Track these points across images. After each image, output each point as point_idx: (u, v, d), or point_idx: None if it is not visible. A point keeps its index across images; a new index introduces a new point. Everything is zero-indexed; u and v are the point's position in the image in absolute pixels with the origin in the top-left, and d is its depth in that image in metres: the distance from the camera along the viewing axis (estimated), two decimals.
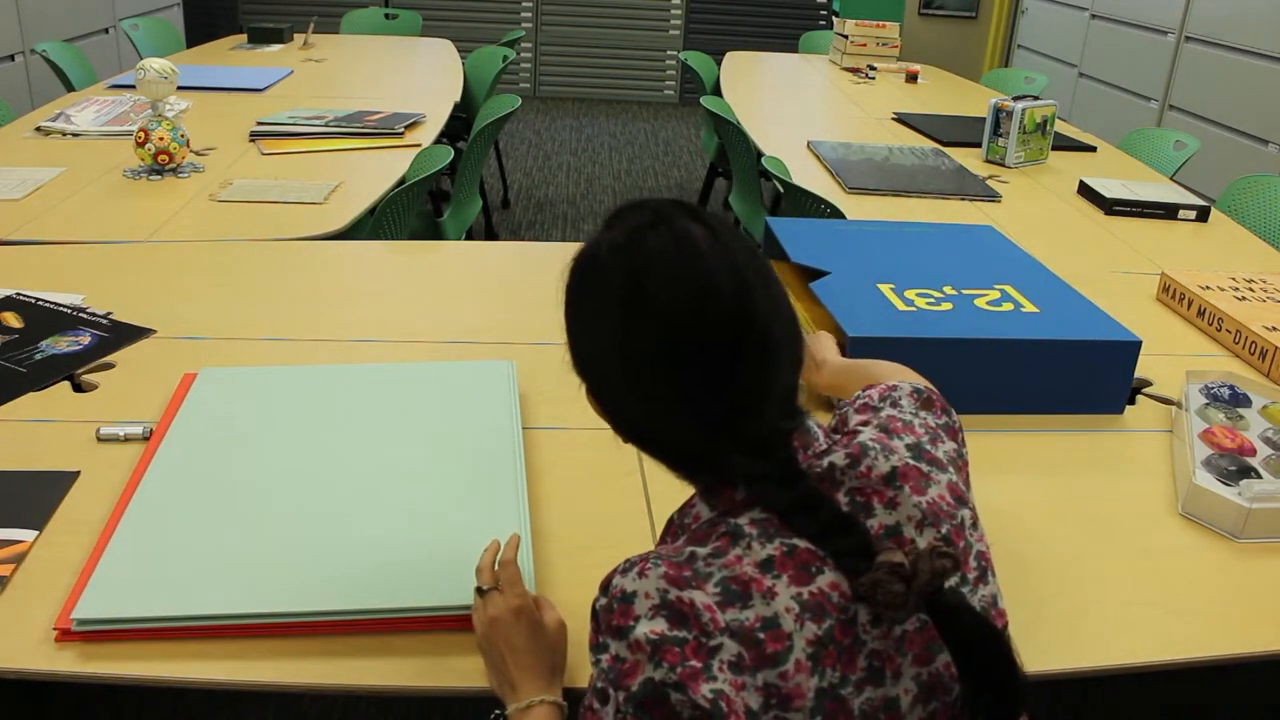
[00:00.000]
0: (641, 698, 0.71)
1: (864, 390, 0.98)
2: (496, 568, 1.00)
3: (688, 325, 0.78)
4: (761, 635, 0.73)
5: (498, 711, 0.96)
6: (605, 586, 0.78)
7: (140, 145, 2.39)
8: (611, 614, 0.75)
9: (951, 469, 0.86)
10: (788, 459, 0.81)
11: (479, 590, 0.98)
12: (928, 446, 0.87)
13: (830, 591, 0.75)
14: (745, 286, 0.79)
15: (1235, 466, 1.34)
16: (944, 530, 0.81)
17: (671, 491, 1.28)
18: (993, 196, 2.64)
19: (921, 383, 0.98)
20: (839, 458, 0.83)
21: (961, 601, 0.76)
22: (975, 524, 0.85)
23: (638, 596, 0.74)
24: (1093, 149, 3.25)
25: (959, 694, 0.78)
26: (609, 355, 0.81)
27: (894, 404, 0.91)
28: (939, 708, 0.78)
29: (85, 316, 1.67)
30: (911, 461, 0.84)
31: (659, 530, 1.20)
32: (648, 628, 0.73)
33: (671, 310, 0.78)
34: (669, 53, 7.01)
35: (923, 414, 0.91)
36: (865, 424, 0.90)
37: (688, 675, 0.71)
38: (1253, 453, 1.40)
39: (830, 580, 0.76)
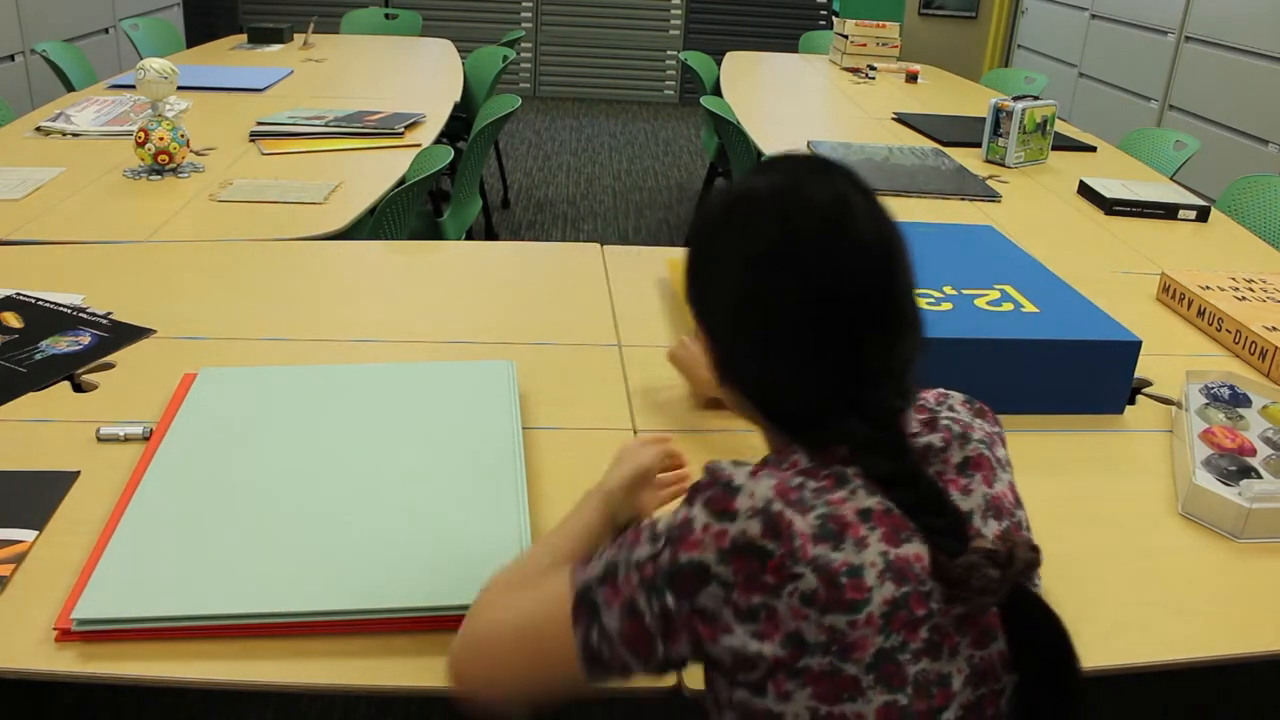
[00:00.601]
0: (682, 570, 0.74)
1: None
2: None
3: (834, 285, 0.78)
4: (844, 580, 0.74)
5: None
6: (711, 470, 0.78)
7: (140, 145, 2.39)
8: (713, 492, 0.76)
9: (1009, 472, 0.89)
10: (898, 432, 0.81)
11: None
12: (989, 445, 0.88)
13: (914, 561, 0.76)
14: (892, 257, 0.80)
15: (1235, 466, 1.34)
16: (1004, 525, 0.83)
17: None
18: (993, 196, 2.64)
19: (961, 395, 0.97)
20: (935, 439, 0.85)
21: (1038, 597, 0.78)
22: (1027, 529, 0.88)
23: (743, 492, 0.75)
24: (1093, 149, 3.25)
25: (1007, 684, 0.79)
26: (743, 299, 0.80)
27: (950, 408, 0.91)
28: (986, 694, 0.78)
29: (85, 316, 1.67)
30: (985, 453, 0.86)
31: None
32: (742, 526, 0.74)
33: (821, 266, 0.77)
34: (669, 53, 7.01)
35: (977, 420, 0.91)
36: (927, 423, 0.89)
37: (742, 589, 0.73)
38: (1253, 453, 1.40)
39: (916, 551, 0.76)
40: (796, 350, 0.79)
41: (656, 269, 2.02)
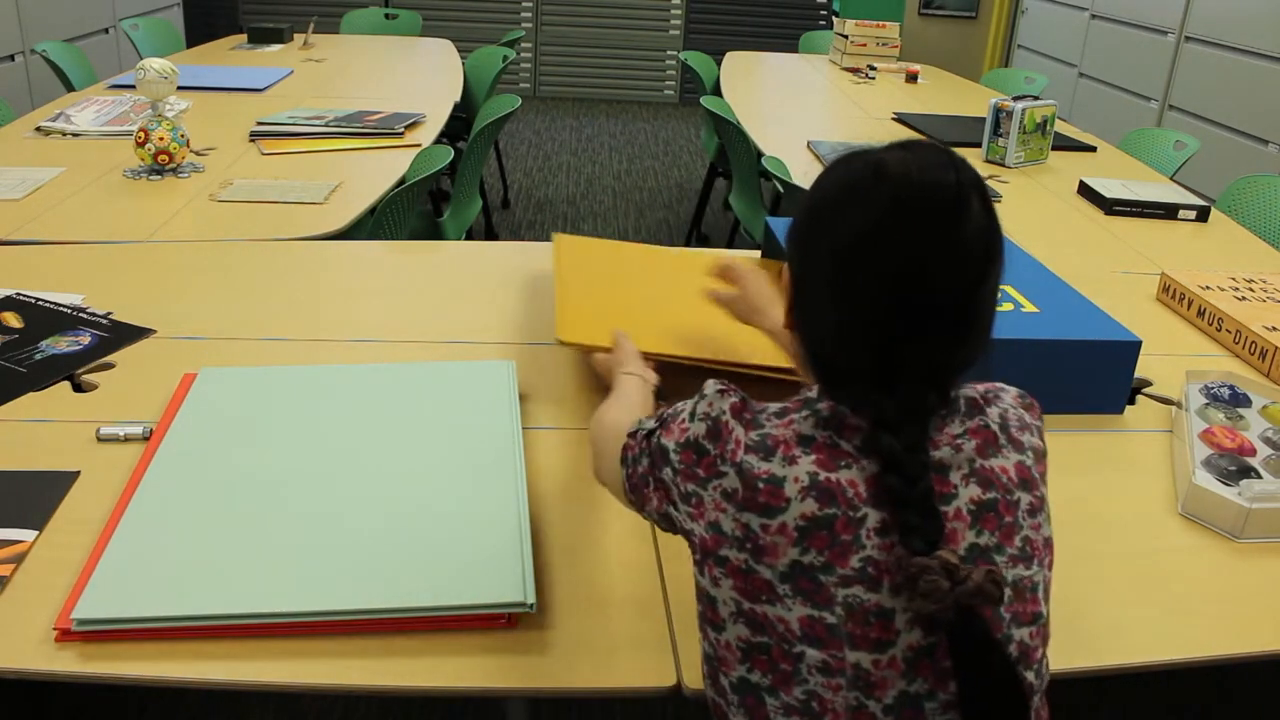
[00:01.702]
0: (657, 448, 0.91)
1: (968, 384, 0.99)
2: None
3: (928, 272, 0.80)
4: (761, 485, 0.82)
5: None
6: (707, 385, 0.91)
7: (140, 145, 2.39)
8: (694, 401, 0.90)
9: (1028, 456, 0.89)
10: (922, 427, 0.83)
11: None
12: (1013, 428, 0.89)
13: (847, 486, 0.81)
14: (989, 261, 0.82)
15: (1235, 466, 1.34)
16: (991, 495, 0.84)
17: None
18: (993, 196, 2.63)
19: (1016, 391, 0.98)
20: (971, 441, 0.85)
21: (990, 634, 0.79)
22: (1034, 512, 0.87)
23: (704, 401, 0.89)
24: (1093, 149, 3.25)
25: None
26: (839, 260, 0.83)
27: (996, 397, 0.92)
28: (938, 643, 0.79)
29: (85, 316, 1.67)
30: (991, 427, 0.86)
31: (659, 530, 1.20)
32: (696, 428, 0.88)
33: (921, 251, 0.80)
34: (669, 53, 7.01)
35: (1019, 410, 0.92)
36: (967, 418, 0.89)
37: (683, 476, 0.87)
38: (1253, 453, 1.40)
39: (851, 477, 0.81)
40: (869, 324, 0.82)
41: None
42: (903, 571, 0.78)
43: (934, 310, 0.81)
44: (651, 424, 0.95)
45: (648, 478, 0.93)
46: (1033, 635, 0.85)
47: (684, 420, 0.89)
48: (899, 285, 0.80)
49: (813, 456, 0.82)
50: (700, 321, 1.58)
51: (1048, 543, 0.89)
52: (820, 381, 0.87)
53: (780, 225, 1.88)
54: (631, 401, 1.21)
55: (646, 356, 1.37)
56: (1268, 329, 1.74)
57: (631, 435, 0.97)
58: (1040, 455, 0.92)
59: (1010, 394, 0.94)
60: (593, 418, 1.15)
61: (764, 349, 1.46)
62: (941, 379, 0.85)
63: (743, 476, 0.83)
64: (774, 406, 0.88)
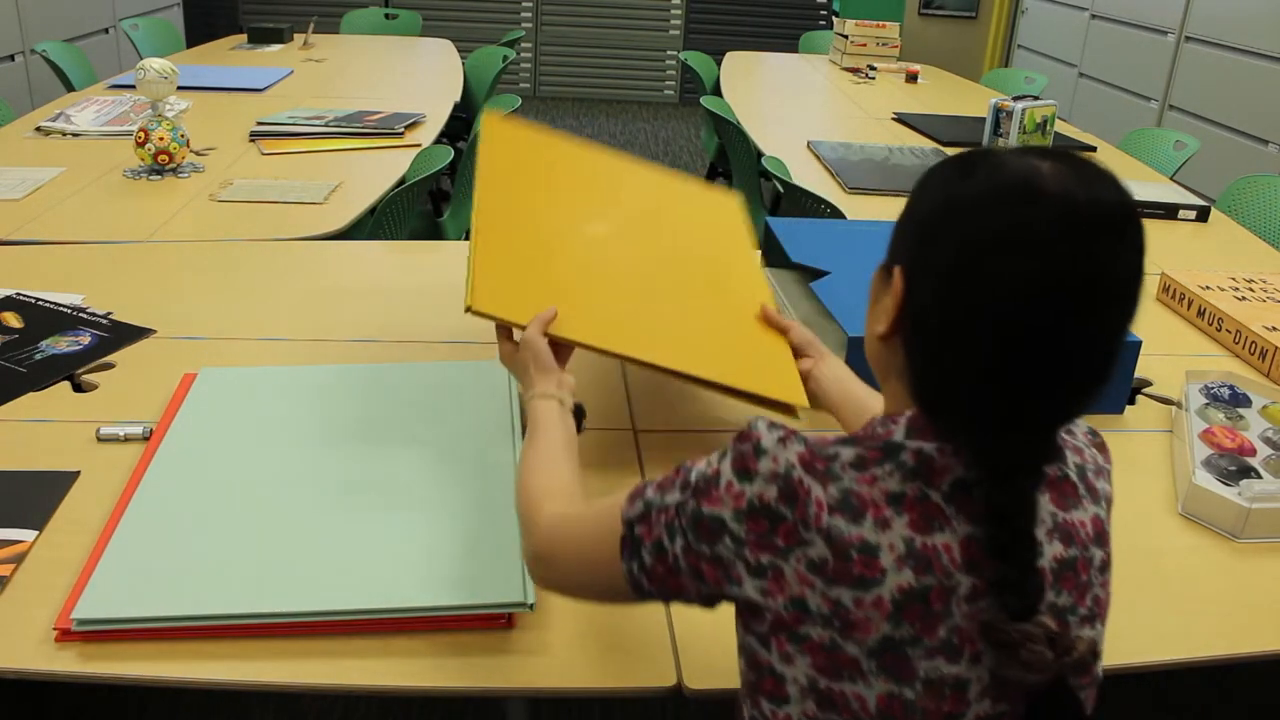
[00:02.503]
0: (703, 520, 0.77)
1: None
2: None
3: (1088, 299, 0.71)
4: (854, 554, 0.73)
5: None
6: (752, 428, 0.78)
7: (140, 145, 2.39)
8: (741, 449, 0.77)
9: (1102, 507, 0.83)
10: (1028, 472, 0.75)
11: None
12: (1090, 475, 0.83)
13: (943, 552, 0.73)
14: (1131, 300, 0.74)
15: (1235, 466, 1.34)
16: (1072, 552, 0.78)
17: None
18: None
19: (1087, 425, 0.91)
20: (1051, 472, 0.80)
21: (1082, 710, 0.75)
22: (1104, 569, 0.82)
23: (766, 456, 0.76)
24: (1093, 149, 3.25)
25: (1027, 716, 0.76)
26: (985, 271, 0.72)
27: (1068, 431, 0.86)
28: (1007, 712, 0.75)
29: (85, 316, 1.67)
30: (1070, 476, 0.80)
31: None
32: (760, 489, 0.75)
33: (1071, 278, 0.70)
34: (669, 53, 7.01)
35: (1093, 450, 0.86)
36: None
37: (753, 547, 0.75)
38: (1253, 453, 1.40)
39: (946, 541, 0.73)
40: (1003, 353, 0.72)
41: None
42: (999, 638, 0.71)
43: (1085, 344, 0.72)
44: (671, 497, 0.80)
45: (689, 560, 0.78)
46: (1090, 699, 0.80)
47: (732, 482, 0.76)
48: (1051, 313, 0.70)
49: (905, 518, 0.73)
50: (671, 281, 1.38)
51: (1108, 600, 0.84)
52: (923, 408, 0.78)
53: (780, 225, 1.87)
54: (554, 452, 1.02)
55: (582, 347, 1.20)
56: (1268, 329, 1.74)
57: (641, 521, 0.82)
58: (1110, 503, 0.86)
59: (1081, 431, 0.87)
60: (516, 481, 1.00)
61: (750, 356, 1.30)
62: (1060, 424, 0.77)
63: (832, 544, 0.73)
64: (845, 452, 0.76)
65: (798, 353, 1.32)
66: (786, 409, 1.27)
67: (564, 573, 0.90)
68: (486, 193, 1.37)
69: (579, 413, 1.12)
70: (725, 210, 1.61)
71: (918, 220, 0.79)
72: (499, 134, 1.51)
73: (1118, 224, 0.72)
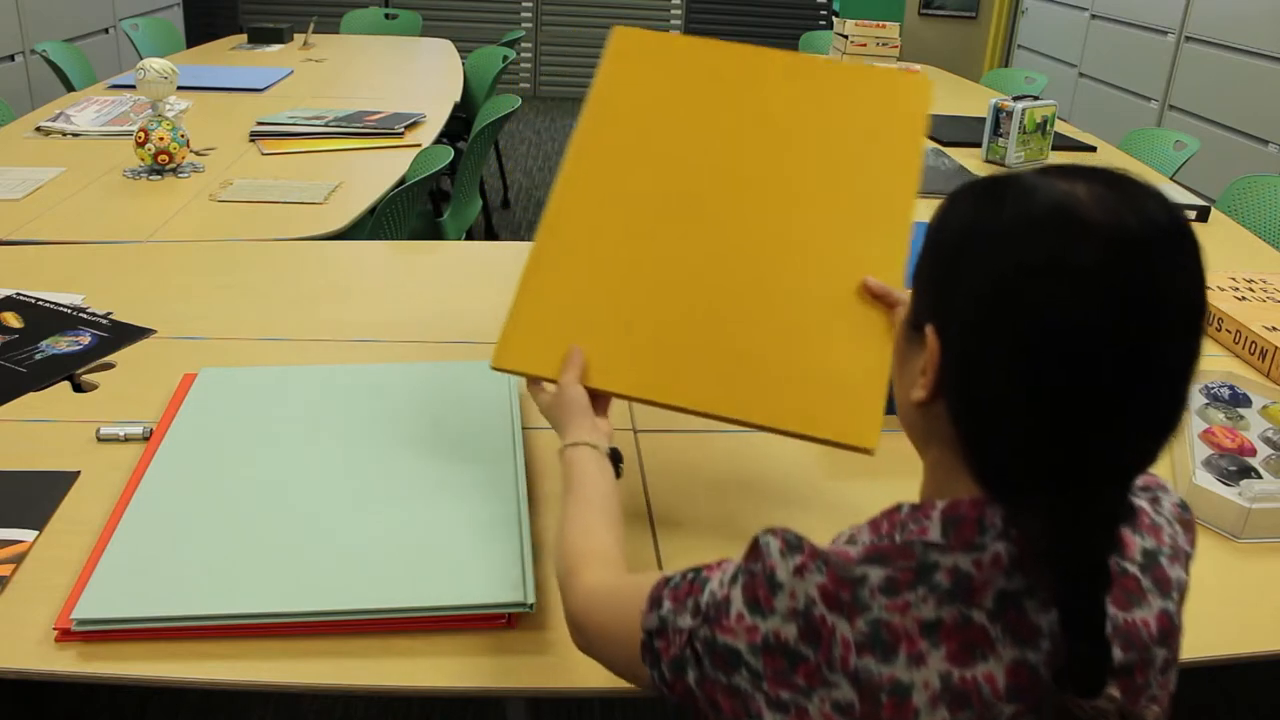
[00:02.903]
0: (718, 649, 0.71)
1: None
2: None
3: (1150, 332, 0.64)
4: (884, 697, 0.66)
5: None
6: (764, 549, 0.71)
7: (140, 145, 2.39)
8: (753, 578, 0.71)
9: (1172, 600, 0.75)
10: (1111, 542, 0.69)
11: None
12: (1163, 562, 0.75)
13: (984, 684, 0.66)
14: (1198, 322, 0.67)
15: (1235, 466, 1.34)
16: (1130, 656, 0.71)
17: (672, 493, 1.28)
18: None
19: (1179, 497, 0.83)
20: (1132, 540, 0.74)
21: None
22: (1167, 668, 0.75)
23: (783, 591, 0.69)
24: (1093, 149, 3.25)
25: None
26: (1030, 310, 0.64)
27: (1154, 500, 0.79)
28: None
29: (85, 316, 1.67)
30: (1132, 570, 0.73)
31: (659, 531, 1.21)
32: (777, 626, 0.68)
33: (1130, 311, 0.63)
34: None
35: (1177, 528, 0.78)
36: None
37: (772, 682, 0.69)
38: (1253, 453, 1.40)
39: (988, 671, 0.66)
40: (1065, 401, 0.65)
41: None
42: (1069, 716, 0.66)
43: (1155, 380, 0.65)
44: (684, 621, 0.74)
45: (704, 690, 0.73)
46: None
47: (744, 614, 0.70)
48: (1110, 346, 0.63)
49: (942, 650, 0.66)
50: (769, 256, 1.18)
51: (1168, 698, 0.78)
52: (977, 475, 0.71)
53: None
54: (591, 509, 0.96)
55: (619, 397, 1.13)
56: (1268, 329, 1.74)
57: (659, 635, 0.76)
58: (1185, 592, 0.77)
59: (1170, 503, 0.79)
60: (556, 539, 0.96)
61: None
62: (1133, 473, 0.70)
63: (860, 687, 0.66)
64: (874, 574, 0.68)
65: None
66: (860, 448, 1.10)
67: (599, 648, 0.85)
68: (574, 167, 1.24)
69: (615, 457, 1.05)
70: (898, 114, 1.28)
71: (941, 265, 0.72)
72: (628, 50, 1.33)
73: (1177, 244, 0.66)
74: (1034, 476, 0.67)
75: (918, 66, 4.47)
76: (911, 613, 0.67)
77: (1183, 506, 0.81)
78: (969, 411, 0.70)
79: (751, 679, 0.69)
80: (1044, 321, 0.64)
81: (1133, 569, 0.73)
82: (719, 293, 1.16)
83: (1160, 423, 0.67)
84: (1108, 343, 0.63)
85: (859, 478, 1.32)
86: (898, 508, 0.74)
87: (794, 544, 0.71)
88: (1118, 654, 0.70)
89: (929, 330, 0.72)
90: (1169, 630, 0.74)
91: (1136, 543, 0.74)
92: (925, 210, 2.89)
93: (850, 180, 1.22)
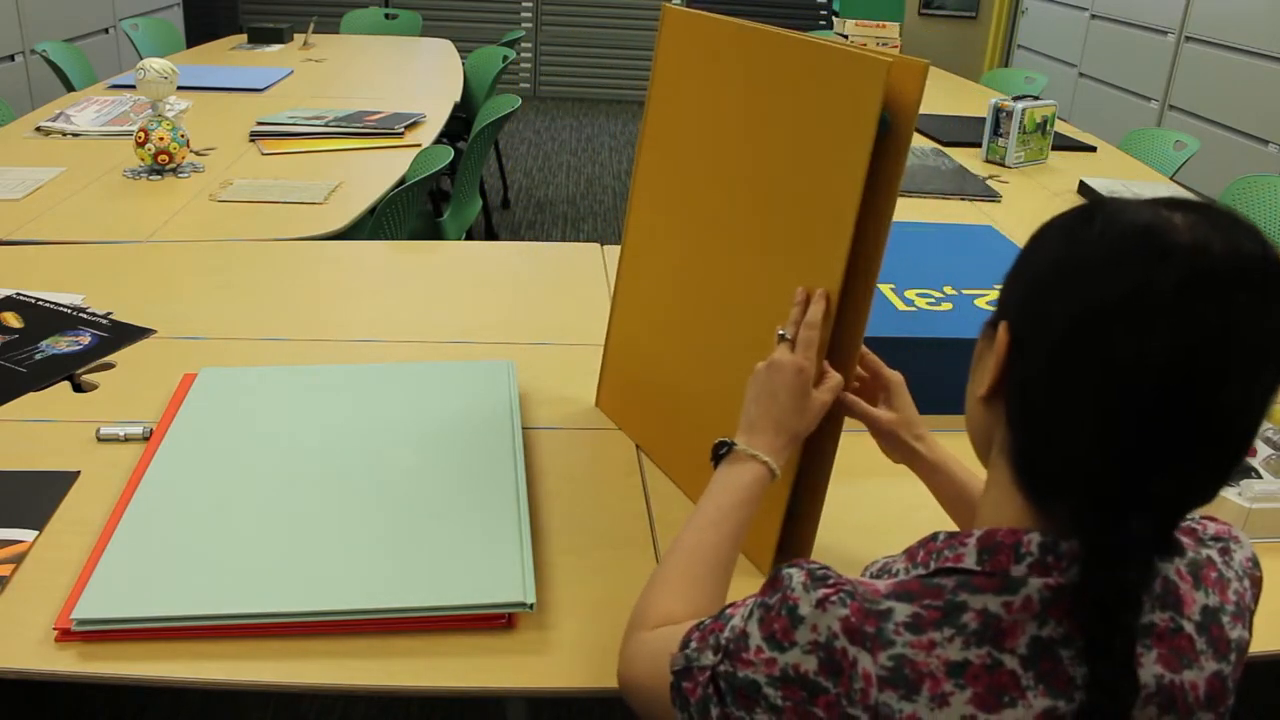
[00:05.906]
0: (738, 683, 0.71)
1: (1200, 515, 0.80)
2: (801, 325, 1.00)
3: (1222, 364, 0.62)
4: None
5: (724, 440, 0.97)
6: (785, 582, 0.71)
7: (140, 145, 2.39)
8: (774, 614, 0.70)
9: (1228, 661, 0.73)
10: (1148, 575, 0.68)
11: (780, 335, 1.01)
12: (1225, 621, 0.72)
13: None
14: (1277, 364, 0.65)
15: None
16: (1169, 719, 0.69)
17: (672, 494, 1.28)
18: (993, 196, 2.64)
19: (1252, 550, 0.80)
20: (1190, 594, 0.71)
21: None
22: None
23: (804, 625, 0.69)
24: (1093, 149, 3.25)
25: None
26: (1103, 334, 0.64)
27: (1225, 551, 0.76)
28: None
29: (85, 316, 1.67)
30: (1188, 629, 0.70)
31: (659, 531, 1.21)
32: (796, 659, 0.68)
33: (1220, 335, 0.62)
34: None
35: (1245, 584, 0.76)
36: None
37: (791, 714, 0.68)
38: (1253, 453, 1.40)
39: (1016, 717, 0.65)
40: (1110, 417, 0.64)
41: None
42: None
43: (1223, 417, 0.64)
44: (706, 658, 0.74)
45: None
46: None
47: (762, 647, 0.70)
48: (1179, 378, 0.62)
49: (968, 692, 0.65)
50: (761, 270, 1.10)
51: None
52: (1022, 483, 0.71)
53: None
54: (704, 561, 0.91)
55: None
56: None
57: (685, 677, 0.76)
58: (1244, 651, 0.75)
59: (1241, 557, 0.77)
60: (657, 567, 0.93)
61: None
62: (1178, 511, 0.69)
63: None
64: (900, 609, 0.67)
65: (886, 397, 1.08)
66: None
67: (637, 698, 0.86)
68: (640, 178, 1.21)
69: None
70: (848, 102, 1.18)
71: (1030, 276, 0.72)
72: (677, 34, 1.21)
73: (1262, 278, 0.63)
74: (1079, 491, 0.66)
75: None
76: (937, 651, 0.66)
77: (1254, 563, 0.78)
78: (1023, 415, 0.70)
79: (772, 713, 0.69)
80: (1118, 346, 0.63)
81: (1189, 627, 0.70)
82: (713, 357, 1.20)
83: (1218, 459, 0.66)
84: (1183, 372, 0.62)
85: (861, 478, 1.32)
86: (934, 536, 0.74)
87: (819, 576, 0.70)
88: (1152, 713, 0.68)
89: (1002, 327, 0.72)
90: (1218, 694, 0.72)
91: (1197, 600, 0.71)
92: (914, 211, 2.87)
93: (793, 185, 1.11)
